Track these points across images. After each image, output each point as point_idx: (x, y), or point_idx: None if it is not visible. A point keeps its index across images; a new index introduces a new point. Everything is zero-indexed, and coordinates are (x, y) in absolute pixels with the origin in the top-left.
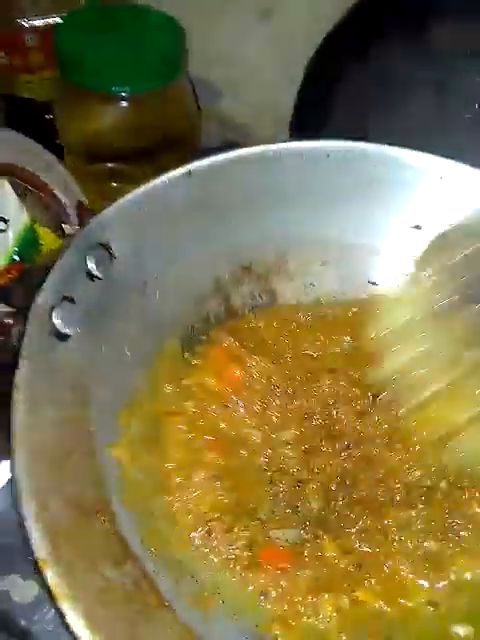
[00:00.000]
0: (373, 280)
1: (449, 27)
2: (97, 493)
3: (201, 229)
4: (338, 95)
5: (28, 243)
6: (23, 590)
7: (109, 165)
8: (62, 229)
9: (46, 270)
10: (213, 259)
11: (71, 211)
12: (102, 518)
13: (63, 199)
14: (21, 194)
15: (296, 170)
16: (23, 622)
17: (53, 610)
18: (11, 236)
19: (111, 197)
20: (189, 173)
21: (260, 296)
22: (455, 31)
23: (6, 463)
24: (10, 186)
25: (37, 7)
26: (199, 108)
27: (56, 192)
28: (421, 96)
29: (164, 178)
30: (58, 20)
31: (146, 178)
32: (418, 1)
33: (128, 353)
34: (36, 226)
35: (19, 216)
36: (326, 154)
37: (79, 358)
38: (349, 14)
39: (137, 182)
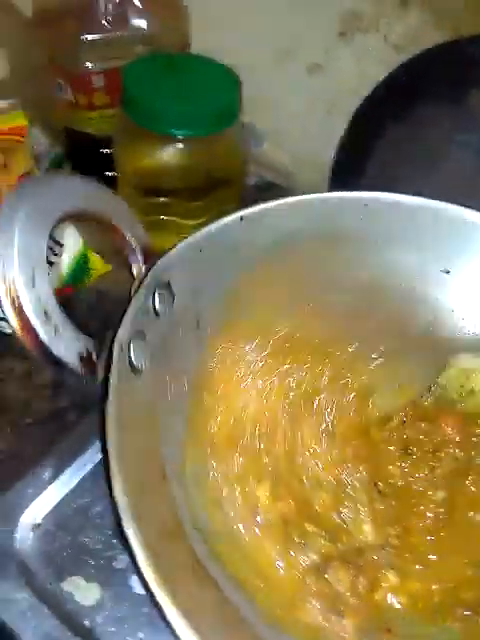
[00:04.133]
0: None
1: None
2: (173, 518)
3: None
4: (376, 151)
5: (80, 268)
6: (86, 592)
7: (161, 199)
8: (130, 269)
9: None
10: None
11: (138, 252)
12: (181, 543)
13: (131, 241)
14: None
15: (336, 217)
16: (87, 622)
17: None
18: (66, 260)
19: (160, 228)
20: (241, 219)
21: None
22: None
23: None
24: None
25: (104, 52)
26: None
27: (125, 234)
28: (455, 158)
29: (220, 223)
30: (121, 64)
31: (194, 213)
32: (458, 69)
33: (186, 385)
34: (89, 252)
35: (75, 241)
36: (364, 204)
37: (149, 390)
38: (392, 75)
39: (185, 216)
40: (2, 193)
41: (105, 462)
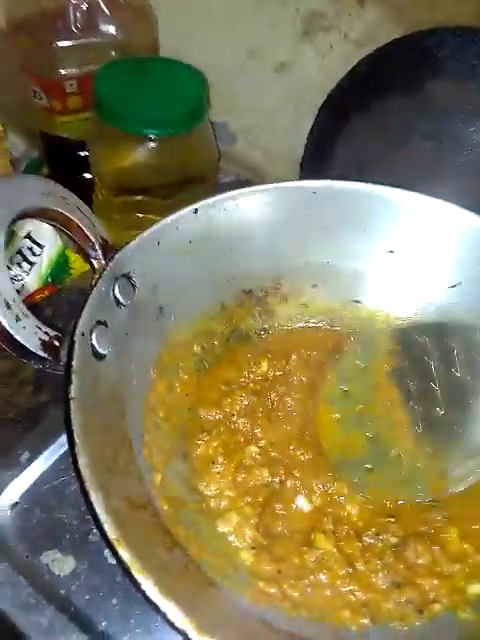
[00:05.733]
0: (357, 299)
1: (444, 86)
2: (140, 491)
3: (207, 259)
4: (342, 143)
5: (60, 267)
6: (62, 564)
7: (136, 198)
8: (91, 263)
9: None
10: (218, 285)
11: (97, 247)
12: (148, 512)
13: (90, 236)
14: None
15: (288, 205)
16: (63, 592)
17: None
18: (46, 260)
19: (137, 226)
20: (196, 211)
21: (260, 316)
22: (448, 90)
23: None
24: None
25: (76, 58)
26: (219, 150)
27: (84, 230)
28: (417, 146)
29: (174, 216)
30: (93, 69)
31: (169, 210)
32: (415, 61)
33: (151, 370)
34: (68, 251)
35: (54, 242)
36: (313, 191)
37: (114, 375)
38: (354, 70)
39: (161, 213)
40: None
41: (70, 442)
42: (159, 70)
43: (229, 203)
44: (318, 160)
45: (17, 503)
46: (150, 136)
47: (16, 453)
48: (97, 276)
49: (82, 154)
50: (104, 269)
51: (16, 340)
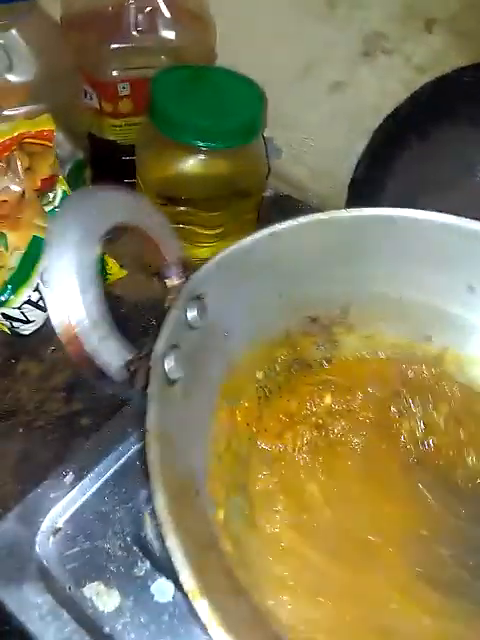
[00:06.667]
0: (428, 335)
1: None
2: (206, 530)
3: (277, 283)
4: (396, 170)
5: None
6: (106, 598)
7: (180, 208)
8: (164, 283)
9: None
10: (285, 311)
11: (173, 267)
12: (214, 554)
13: (168, 256)
14: None
15: (365, 233)
16: (107, 629)
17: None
18: None
19: (179, 237)
20: (272, 234)
21: (324, 345)
22: None
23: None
24: None
25: (131, 61)
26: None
27: (163, 249)
28: (477, 179)
29: (251, 239)
30: (147, 73)
31: (212, 223)
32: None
33: (215, 397)
34: (105, 257)
35: None
36: (394, 220)
37: (181, 401)
38: (414, 94)
39: (203, 226)
40: (27, 197)
41: (148, 477)
42: (217, 80)
43: (305, 228)
44: (369, 185)
45: (60, 529)
46: (202, 148)
47: (58, 472)
48: (175, 296)
49: (128, 159)
50: (182, 289)
51: (95, 364)
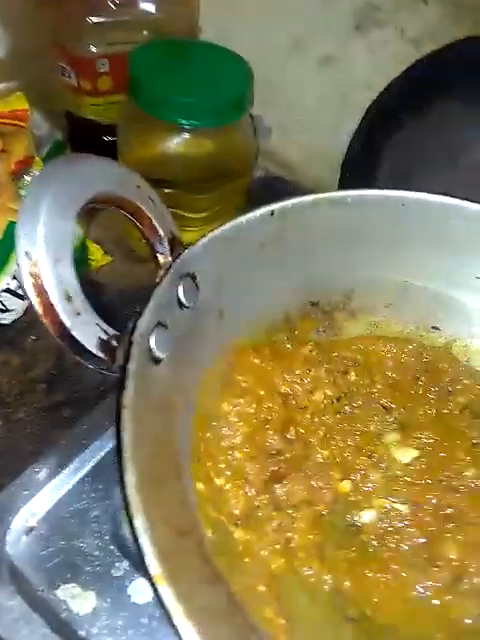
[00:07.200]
0: (435, 325)
1: None
2: (185, 514)
3: (277, 265)
4: (390, 148)
5: (80, 257)
6: (81, 600)
7: (165, 190)
8: (156, 258)
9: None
10: (284, 293)
11: (165, 242)
12: (192, 540)
13: (160, 230)
14: None
15: (371, 215)
16: (82, 633)
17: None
18: None
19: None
20: (272, 213)
21: (323, 331)
22: None
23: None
24: None
25: (110, 36)
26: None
27: (154, 223)
28: (474, 157)
29: (249, 216)
30: (128, 49)
31: (199, 206)
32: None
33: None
34: (88, 242)
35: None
36: (402, 203)
37: (167, 381)
38: (409, 71)
39: (190, 209)
40: (1, 180)
41: (119, 455)
42: (201, 55)
43: (308, 207)
44: (362, 164)
45: (33, 528)
46: (185, 126)
47: (33, 467)
48: (163, 273)
49: (109, 139)
50: (170, 266)
51: (73, 336)
